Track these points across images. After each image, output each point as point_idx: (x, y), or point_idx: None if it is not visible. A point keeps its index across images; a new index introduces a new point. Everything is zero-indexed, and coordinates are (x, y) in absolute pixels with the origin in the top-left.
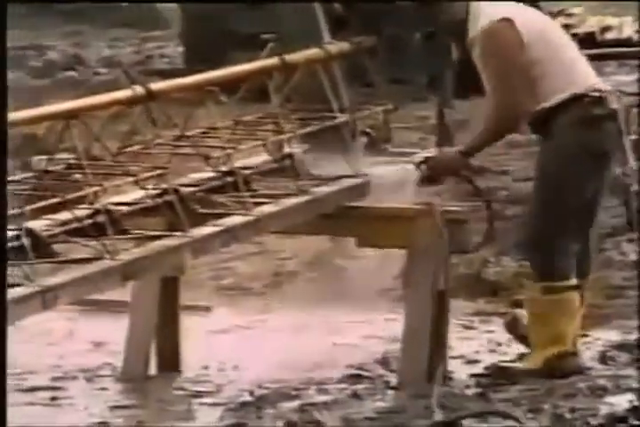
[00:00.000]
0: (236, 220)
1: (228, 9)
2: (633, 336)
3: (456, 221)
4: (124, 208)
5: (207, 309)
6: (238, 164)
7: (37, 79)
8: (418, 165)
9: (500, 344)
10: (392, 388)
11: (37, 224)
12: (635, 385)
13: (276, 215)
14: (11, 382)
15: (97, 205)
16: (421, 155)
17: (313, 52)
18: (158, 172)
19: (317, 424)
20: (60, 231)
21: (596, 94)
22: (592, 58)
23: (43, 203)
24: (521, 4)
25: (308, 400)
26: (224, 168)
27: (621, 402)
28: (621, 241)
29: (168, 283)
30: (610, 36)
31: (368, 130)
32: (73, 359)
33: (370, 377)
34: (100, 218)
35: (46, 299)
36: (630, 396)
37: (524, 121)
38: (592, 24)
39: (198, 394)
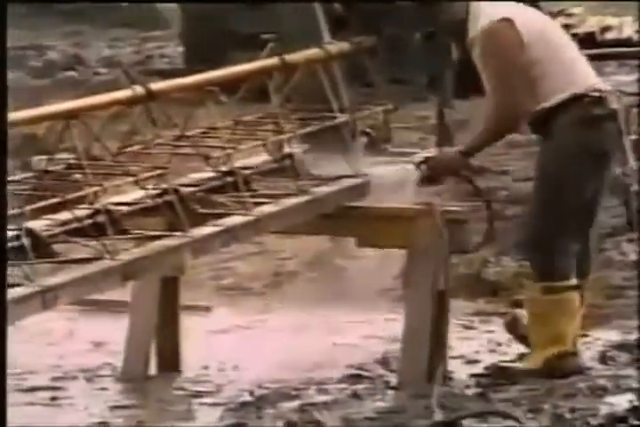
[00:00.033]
0: (235, 220)
1: (228, 9)
2: (633, 336)
3: (456, 221)
4: (124, 208)
5: (207, 309)
6: (238, 164)
7: (37, 79)
8: (418, 165)
9: (500, 344)
10: (392, 388)
11: (37, 224)
12: (635, 385)
13: (276, 215)
14: (11, 382)
15: (97, 205)
16: (421, 155)
17: (313, 52)
18: (158, 172)
19: (317, 424)
20: (60, 231)
21: (596, 94)
22: (592, 58)
23: (43, 203)
24: (521, 4)
25: (308, 400)
26: (224, 168)
27: (621, 402)
28: (621, 241)
29: (168, 283)
30: (610, 36)
31: (368, 130)
32: (73, 359)
33: (370, 377)
34: (100, 218)
35: (46, 299)
36: (630, 396)
37: (524, 121)
38: (592, 24)
39: (198, 394)
